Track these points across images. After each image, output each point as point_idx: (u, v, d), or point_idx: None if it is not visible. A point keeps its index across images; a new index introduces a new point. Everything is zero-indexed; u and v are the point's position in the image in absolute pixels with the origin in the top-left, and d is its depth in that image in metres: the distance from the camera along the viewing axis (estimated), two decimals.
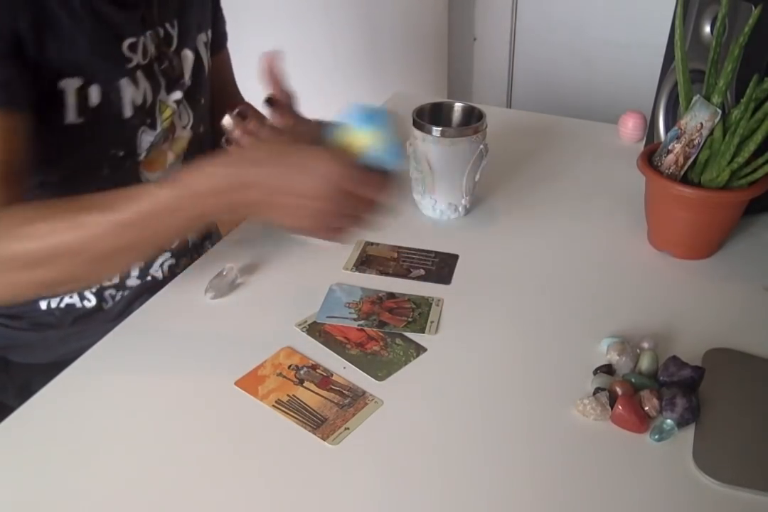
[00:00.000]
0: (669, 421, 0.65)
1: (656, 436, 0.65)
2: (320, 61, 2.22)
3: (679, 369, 0.69)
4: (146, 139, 0.85)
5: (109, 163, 0.82)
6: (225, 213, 0.64)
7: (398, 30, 2.14)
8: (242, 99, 1.06)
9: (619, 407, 0.66)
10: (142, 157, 0.85)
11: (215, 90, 0.99)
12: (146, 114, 0.84)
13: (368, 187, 0.65)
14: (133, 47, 0.80)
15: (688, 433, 0.66)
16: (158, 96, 0.85)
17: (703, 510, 0.60)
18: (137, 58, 0.81)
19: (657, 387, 0.69)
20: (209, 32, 0.94)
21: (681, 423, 0.65)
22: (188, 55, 0.89)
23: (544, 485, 0.62)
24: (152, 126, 0.85)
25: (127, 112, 0.81)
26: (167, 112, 0.87)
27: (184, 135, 0.92)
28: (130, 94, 0.80)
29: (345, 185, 0.63)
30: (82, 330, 0.91)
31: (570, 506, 0.60)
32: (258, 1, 2.20)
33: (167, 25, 0.86)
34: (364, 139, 0.63)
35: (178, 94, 0.88)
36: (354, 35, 2.18)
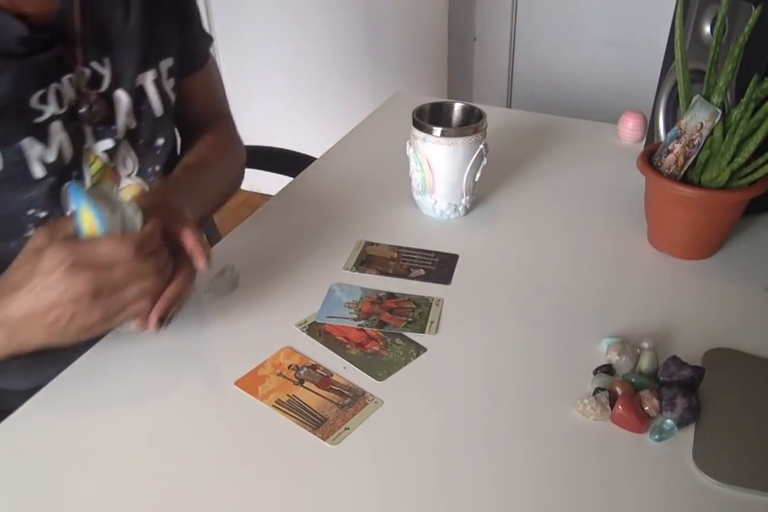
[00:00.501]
0: (669, 421, 0.65)
1: (656, 436, 0.65)
2: (320, 61, 2.22)
3: (679, 369, 0.69)
4: None
5: (35, 224, 0.78)
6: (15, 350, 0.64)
7: (398, 30, 2.14)
8: (226, 114, 1.05)
9: (619, 407, 0.66)
10: None
11: (196, 111, 0.96)
12: (66, 169, 0.77)
13: (113, 256, 0.62)
14: (44, 98, 0.72)
15: (688, 433, 0.66)
16: (84, 146, 0.79)
17: (703, 510, 0.60)
18: (51, 109, 0.73)
19: (657, 387, 0.69)
20: (169, 60, 0.87)
21: (681, 423, 0.65)
22: (121, 97, 0.81)
23: (544, 485, 0.62)
24: (80, 180, 0.80)
25: (38, 172, 0.74)
26: (97, 164, 0.81)
27: (131, 183, 0.86)
28: (38, 152, 0.73)
29: (82, 269, 0.60)
30: (57, 356, 0.88)
31: (570, 506, 0.60)
32: (258, 1, 2.20)
33: (95, 64, 0.78)
34: (88, 218, 0.63)
35: (108, 143, 0.81)
36: (354, 35, 2.18)
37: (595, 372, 0.72)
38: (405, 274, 0.87)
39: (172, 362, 0.75)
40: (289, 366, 0.73)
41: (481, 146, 0.93)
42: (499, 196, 1.03)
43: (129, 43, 0.81)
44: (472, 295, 0.84)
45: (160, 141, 0.89)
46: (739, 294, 0.83)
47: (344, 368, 0.73)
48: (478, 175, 0.95)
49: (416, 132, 0.92)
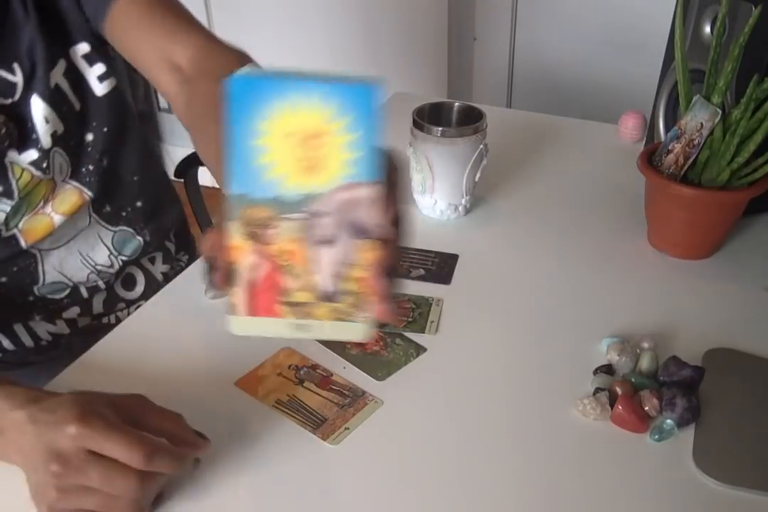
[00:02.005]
0: (669, 421, 0.65)
1: (656, 436, 0.65)
2: (320, 61, 2.22)
3: (679, 369, 0.69)
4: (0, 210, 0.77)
5: None
6: None
7: (398, 30, 2.14)
8: (198, 42, 0.78)
9: (619, 407, 0.66)
10: (5, 232, 0.79)
11: (154, 53, 0.78)
12: None
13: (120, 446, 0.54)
14: None
15: (688, 433, 0.66)
16: (5, 159, 0.76)
17: (703, 510, 0.60)
18: None
19: (657, 387, 0.69)
20: (82, 46, 0.80)
21: (681, 423, 0.65)
22: (37, 104, 0.77)
23: (544, 485, 0.62)
24: (7, 195, 0.77)
25: None
26: (26, 176, 0.78)
27: (68, 188, 0.83)
28: None
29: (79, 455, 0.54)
30: (51, 358, 0.87)
31: (570, 506, 0.60)
32: (258, 1, 2.20)
33: (4, 73, 0.74)
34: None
35: (32, 154, 0.78)
36: (354, 35, 2.18)
37: (595, 372, 0.72)
38: (405, 274, 0.87)
39: (172, 362, 0.75)
40: (289, 366, 0.73)
41: (481, 146, 0.93)
42: (499, 196, 1.03)
43: (34, 40, 0.76)
44: (472, 295, 0.84)
45: (89, 137, 0.83)
46: (739, 294, 0.83)
47: (344, 368, 0.73)
48: (478, 175, 0.95)
49: (416, 132, 0.92)
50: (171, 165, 1.18)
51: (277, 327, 0.45)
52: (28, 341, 0.88)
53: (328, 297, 0.44)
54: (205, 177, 1.25)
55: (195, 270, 0.88)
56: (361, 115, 0.42)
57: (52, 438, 0.54)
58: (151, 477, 0.56)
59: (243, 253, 0.43)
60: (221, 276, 0.44)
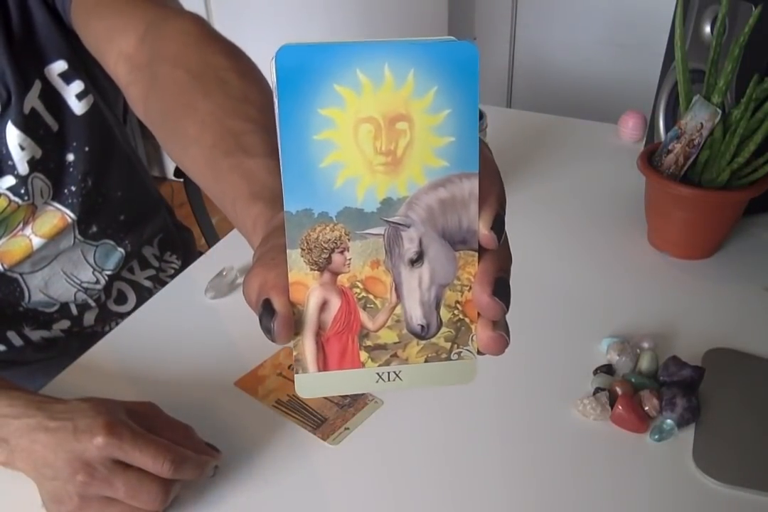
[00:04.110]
0: (669, 421, 0.65)
1: (656, 436, 0.65)
2: None
3: (679, 369, 0.69)
4: None
5: None
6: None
7: (398, 30, 2.14)
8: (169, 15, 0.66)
9: (619, 407, 0.66)
10: None
11: (99, 36, 0.69)
12: None
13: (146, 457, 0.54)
14: None
15: (688, 433, 0.66)
16: None
17: (703, 510, 0.60)
18: None
19: (657, 387, 0.69)
20: (59, 64, 0.77)
21: (681, 423, 0.65)
22: (11, 130, 0.75)
23: (544, 485, 0.62)
24: None
25: None
26: (3, 201, 0.76)
27: (49, 210, 0.81)
28: None
29: (105, 464, 0.54)
30: (49, 361, 0.86)
31: (570, 506, 0.60)
32: (258, 1, 2.20)
33: None
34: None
35: (9, 180, 0.76)
36: (354, 35, 2.18)
37: (595, 372, 0.72)
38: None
39: (172, 362, 0.75)
40: (289, 366, 0.73)
41: None
42: None
43: (3, 65, 0.73)
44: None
45: (70, 157, 0.81)
46: (739, 294, 0.83)
47: None
48: None
49: None
50: (171, 165, 1.18)
51: (357, 381, 0.35)
52: (21, 344, 0.88)
53: (419, 333, 0.34)
54: None
55: (195, 271, 0.88)
56: (455, 85, 0.31)
57: (76, 448, 0.54)
58: (174, 485, 0.56)
59: (306, 290, 0.33)
60: (283, 323, 0.32)
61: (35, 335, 0.88)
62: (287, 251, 0.32)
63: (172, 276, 0.93)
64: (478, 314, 0.34)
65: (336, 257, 0.33)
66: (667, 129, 1.01)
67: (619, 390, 0.68)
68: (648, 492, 0.61)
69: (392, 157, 0.32)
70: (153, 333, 0.79)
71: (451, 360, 0.35)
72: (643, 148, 0.97)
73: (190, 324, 0.80)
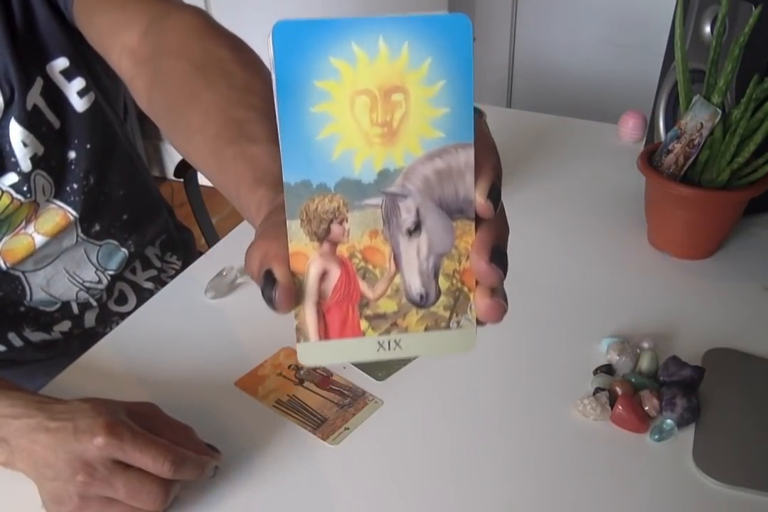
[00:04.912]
0: (669, 421, 0.65)
1: (656, 436, 0.65)
2: None
3: (679, 369, 0.69)
4: None
5: None
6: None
7: None
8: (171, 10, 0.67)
9: (619, 407, 0.66)
10: None
11: (103, 32, 0.70)
12: None
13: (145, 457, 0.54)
14: None
15: (688, 433, 0.66)
16: None
17: (703, 510, 0.60)
18: None
19: (657, 387, 0.69)
20: (61, 61, 0.77)
21: (681, 423, 0.65)
22: (15, 127, 0.75)
23: (544, 485, 0.62)
24: None
25: None
26: (5, 199, 0.77)
27: (51, 208, 0.81)
28: None
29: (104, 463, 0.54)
30: (49, 361, 0.86)
31: (570, 506, 0.60)
32: (258, 1, 2.20)
33: None
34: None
35: (12, 177, 0.76)
36: None
37: (595, 372, 0.72)
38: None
39: (172, 362, 0.75)
40: (289, 366, 0.73)
41: None
42: None
43: (6, 62, 0.73)
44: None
45: (71, 155, 0.81)
46: (739, 294, 0.83)
47: (344, 368, 0.73)
48: None
49: None
50: (171, 165, 1.18)
51: (358, 350, 0.35)
52: (21, 345, 0.88)
53: (418, 302, 0.35)
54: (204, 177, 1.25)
55: (195, 271, 0.88)
56: (449, 56, 0.31)
57: (76, 448, 0.54)
58: (174, 486, 0.56)
59: (306, 260, 0.34)
60: (284, 293, 0.33)
61: (35, 336, 0.88)
62: (287, 222, 0.33)
63: (173, 277, 0.93)
64: (476, 283, 0.35)
65: (335, 228, 0.33)
66: (667, 129, 1.01)
67: (619, 390, 0.68)
68: (648, 492, 0.61)
69: (388, 128, 0.32)
70: (153, 334, 0.79)
71: (450, 328, 0.35)
72: (643, 148, 0.97)
73: (190, 324, 0.80)
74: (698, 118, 0.82)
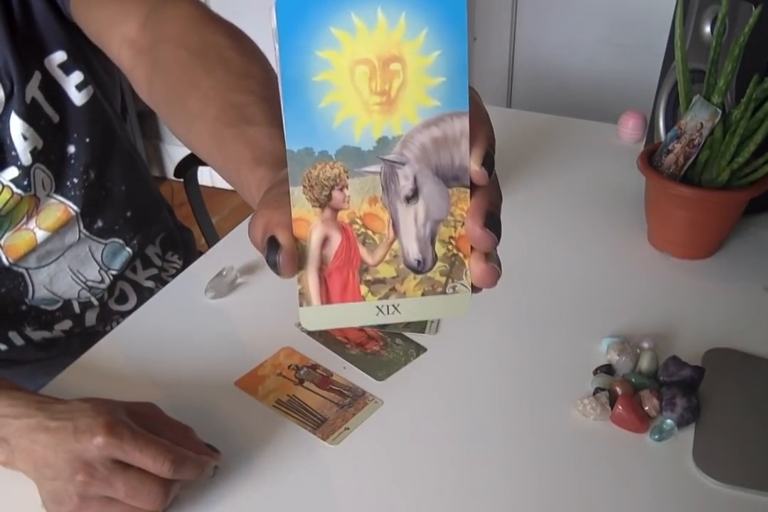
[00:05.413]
0: (669, 421, 0.65)
1: (656, 436, 0.65)
2: None
3: (679, 369, 0.69)
4: None
5: None
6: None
7: None
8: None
9: (619, 407, 0.66)
10: None
11: (102, 24, 0.71)
12: None
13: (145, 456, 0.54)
14: None
15: (688, 433, 0.66)
16: None
17: (703, 510, 0.60)
18: None
19: (657, 387, 0.69)
20: (59, 54, 0.77)
21: (681, 423, 0.65)
22: (15, 120, 0.75)
23: (544, 485, 0.62)
24: None
25: None
26: (6, 194, 0.77)
27: (52, 202, 0.81)
28: None
29: (104, 462, 0.54)
30: (50, 361, 0.85)
31: (570, 506, 0.60)
32: (257, 1, 2.20)
33: None
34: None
35: (12, 171, 0.76)
36: None
37: (595, 372, 0.72)
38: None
39: (172, 362, 0.75)
40: (289, 366, 0.73)
41: None
42: None
43: (5, 55, 0.73)
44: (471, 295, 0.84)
45: (71, 149, 0.81)
46: (739, 294, 0.83)
47: (344, 368, 0.73)
48: None
49: None
50: (171, 165, 1.18)
51: (358, 314, 0.36)
52: (22, 343, 0.88)
53: (415, 268, 0.36)
54: (204, 176, 1.25)
55: (195, 271, 0.88)
56: (444, 27, 0.32)
57: (76, 448, 0.54)
58: (174, 486, 0.56)
59: (308, 226, 0.34)
60: (288, 257, 0.34)
61: (37, 335, 0.88)
62: (290, 189, 0.34)
63: (174, 276, 0.93)
64: (471, 249, 0.36)
65: (336, 194, 0.34)
66: (667, 129, 1.01)
67: (619, 390, 0.68)
68: (648, 492, 0.61)
69: (387, 97, 0.33)
70: (153, 333, 0.79)
71: (447, 293, 0.37)
72: (643, 148, 0.97)
73: (190, 324, 0.80)
74: (698, 118, 0.82)
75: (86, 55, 0.80)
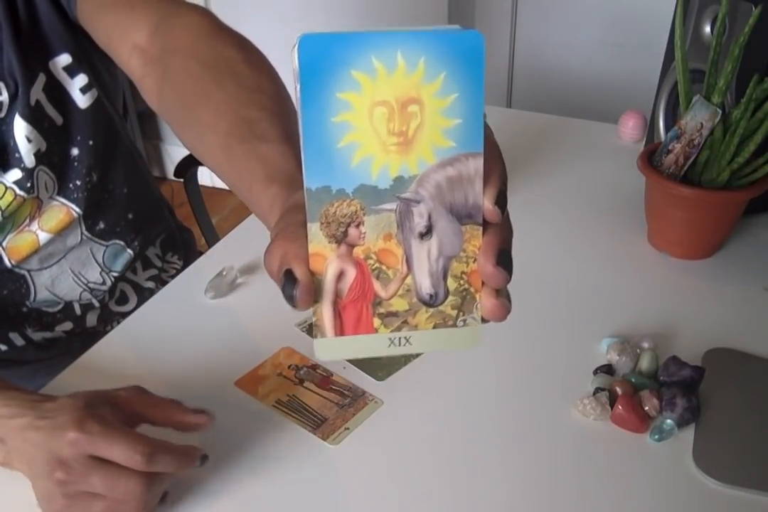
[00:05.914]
0: (669, 421, 0.65)
1: (656, 436, 0.65)
2: None
3: (679, 369, 0.69)
4: None
5: None
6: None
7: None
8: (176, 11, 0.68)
9: (619, 407, 0.66)
10: None
11: (111, 31, 0.71)
12: None
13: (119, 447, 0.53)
14: None
15: (688, 433, 0.66)
16: None
17: (703, 510, 0.60)
18: None
19: (657, 387, 0.69)
20: (64, 57, 0.77)
21: (681, 423, 0.65)
22: (19, 122, 0.75)
23: (544, 485, 0.62)
24: None
25: None
26: (9, 196, 0.77)
27: (54, 204, 0.81)
28: None
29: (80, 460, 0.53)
30: (51, 362, 0.85)
31: (570, 506, 0.60)
32: (258, 1, 2.21)
33: None
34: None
35: (16, 173, 0.76)
36: None
37: (595, 372, 0.72)
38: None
39: (172, 362, 0.75)
40: (289, 366, 0.73)
41: None
42: None
43: (11, 57, 0.73)
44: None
45: (74, 151, 0.81)
46: (739, 294, 0.83)
47: (344, 368, 0.73)
48: None
49: None
50: (171, 165, 1.18)
51: (371, 346, 0.37)
52: (23, 344, 0.88)
53: (427, 301, 0.37)
54: (204, 176, 1.25)
55: (195, 271, 0.88)
56: (463, 70, 0.33)
57: (54, 446, 0.54)
58: (155, 478, 0.56)
59: (324, 261, 0.35)
60: (305, 291, 0.34)
61: (37, 336, 0.88)
62: (308, 225, 0.34)
63: (174, 277, 0.93)
64: (483, 283, 0.37)
65: (352, 230, 0.35)
66: (667, 129, 1.01)
67: (619, 390, 0.68)
68: (648, 492, 0.61)
69: (404, 137, 0.34)
70: (153, 333, 0.79)
71: (457, 326, 0.37)
72: (643, 148, 0.97)
73: (190, 324, 0.80)
74: (698, 118, 0.82)
75: (91, 58, 0.80)
